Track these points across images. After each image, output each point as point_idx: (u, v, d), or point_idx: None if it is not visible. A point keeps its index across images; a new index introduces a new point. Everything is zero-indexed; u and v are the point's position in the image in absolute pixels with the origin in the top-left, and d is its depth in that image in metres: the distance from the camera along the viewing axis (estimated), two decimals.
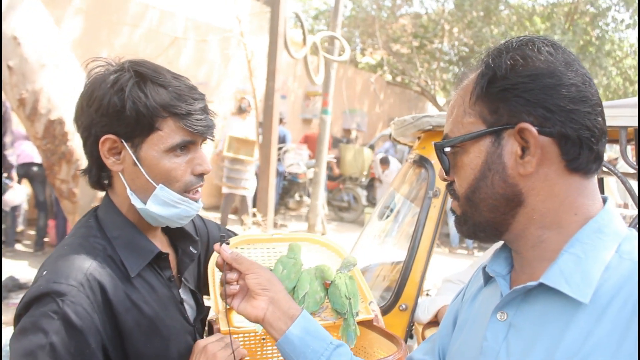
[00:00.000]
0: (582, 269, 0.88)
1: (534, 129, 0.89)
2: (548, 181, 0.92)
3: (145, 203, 1.28)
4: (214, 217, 9.93)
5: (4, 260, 6.47)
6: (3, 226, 6.86)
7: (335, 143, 13.26)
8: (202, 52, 10.80)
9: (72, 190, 4.38)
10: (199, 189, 1.34)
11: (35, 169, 6.84)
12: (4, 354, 3.68)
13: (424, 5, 16.34)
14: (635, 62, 15.44)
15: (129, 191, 1.29)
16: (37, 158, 6.62)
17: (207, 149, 9.30)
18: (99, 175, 1.33)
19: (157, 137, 1.24)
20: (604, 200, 0.97)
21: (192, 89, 1.30)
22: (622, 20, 14.47)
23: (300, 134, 14.18)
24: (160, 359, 1.29)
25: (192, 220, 1.61)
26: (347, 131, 14.99)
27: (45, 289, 1.14)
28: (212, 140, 1.37)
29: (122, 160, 1.27)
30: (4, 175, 5.66)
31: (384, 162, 11.11)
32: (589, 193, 0.94)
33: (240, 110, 10.60)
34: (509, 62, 0.93)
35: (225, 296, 1.24)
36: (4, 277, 5.71)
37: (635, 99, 2.01)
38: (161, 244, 1.44)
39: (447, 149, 1.01)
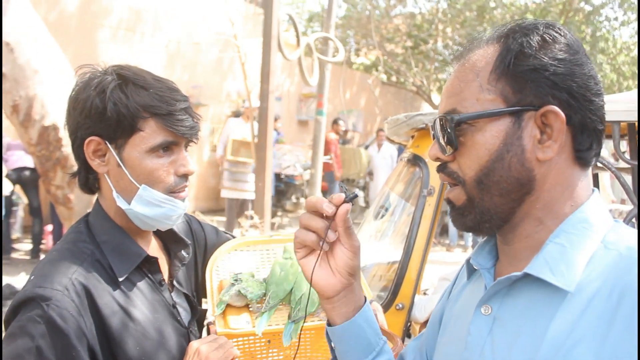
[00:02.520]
0: (567, 258, 0.86)
1: (561, 113, 0.86)
2: (557, 170, 0.90)
3: (130, 204, 1.29)
4: (209, 220, 9.92)
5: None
6: None
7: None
8: (196, 55, 10.80)
9: (67, 196, 4.37)
10: (185, 189, 1.35)
11: (27, 173, 6.80)
12: None
13: (417, 5, 16.37)
14: (629, 59, 15.52)
15: (114, 193, 1.30)
16: (30, 163, 6.58)
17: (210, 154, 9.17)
18: (86, 177, 1.35)
19: (139, 138, 1.26)
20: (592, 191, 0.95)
21: (173, 90, 1.30)
22: (616, 18, 14.55)
23: (296, 135, 14.18)
24: None
25: (188, 224, 1.62)
26: (344, 132, 14.99)
27: (31, 293, 1.16)
28: (196, 143, 1.37)
29: (107, 161, 1.29)
30: None
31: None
32: (585, 185, 0.93)
33: (238, 114, 10.63)
34: (538, 41, 0.88)
35: (323, 239, 1.04)
36: None
37: (628, 94, 2.01)
38: (153, 247, 1.45)
39: (455, 125, 0.92)
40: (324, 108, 9.78)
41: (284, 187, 11.36)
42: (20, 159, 6.74)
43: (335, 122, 12.08)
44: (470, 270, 1.06)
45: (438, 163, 0.99)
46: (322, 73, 9.50)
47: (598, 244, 0.87)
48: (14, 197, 7.16)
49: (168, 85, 1.30)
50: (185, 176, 1.33)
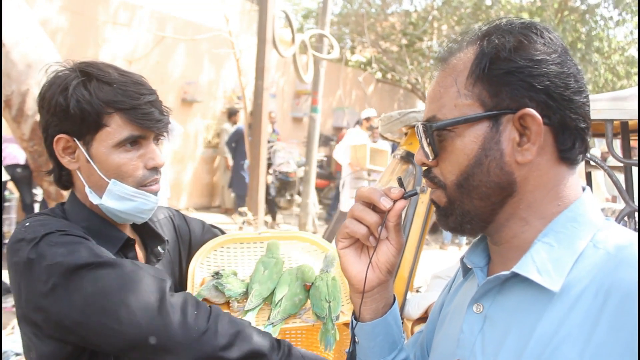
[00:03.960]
0: (554, 257, 0.86)
1: (538, 115, 0.85)
2: (539, 171, 0.89)
3: (101, 199, 1.31)
4: (203, 217, 9.90)
5: None
6: None
7: (326, 141, 13.25)
8: (191, 51, 10.77)
9: (60, 192, 4.35)
10: (157, 182, 1.36)
11: (19, 170, 6.78)
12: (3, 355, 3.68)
13: (412, 3, 16.37)
14: (623, 59, 15.58)
15: (87, 188, 1.31)
16: (22, 159, 6.56)
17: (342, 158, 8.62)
18: (59, 174, 1.36)
19: (105, 133, 1.27)
20: (583, 189, 0.95)
21: (139, 84, 1.31)
22: (611, 17, 14.59)
23: (291, 133, 14.16)
24: None
25: (171, 220, 1.62)
26: (338, 129, 14.99)
27: (48, 229, 1.20)
28: (164, 136, 1.38)
29: (77, 158, 1.30)
30: None
31: None
32: (572, 183, 0.92)
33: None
34: (513, 44, 0.88)
35: (379, 233, 1.02)
36: None
37: (620, 92, 2.02)
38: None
39: (435, 132, 0.93)
40: (319, 105, 9.77)
41: (279, 184, 11.35)
42: (10, 154, 6.69)
43: (359, 122, 11.70)
44: (465, 268, 1.07)
45: (417, 149, 0.99)
46: (316, 70, 9.50)
47: (587, 243, 0.87)
48: (6, 193, 7.13)
49: (133, 79, 1.31)
50: (155, 169, 1.34)
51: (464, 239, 9.70)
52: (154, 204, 1.35)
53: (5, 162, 6.60)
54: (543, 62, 0.87)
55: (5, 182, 6.77)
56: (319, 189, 11.72)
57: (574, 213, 0.90)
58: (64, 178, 1.36)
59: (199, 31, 10.01)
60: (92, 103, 1.23)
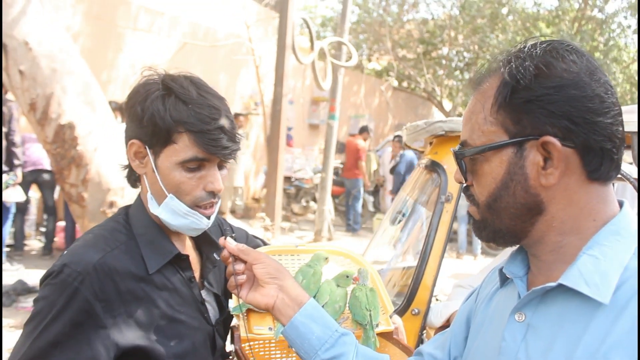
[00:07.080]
0: (601, 270, 0.88)
1: (557, 143, 0.89)
2: (568, 190, 0.92)
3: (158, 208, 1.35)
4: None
5: (13, 263, 6.49)
6: (12, 230, 6.89)
7: (343, 148, 13.25)
8: (211, 58, 10.84)
9: (81, 194, 4.40)
10: (214, 205, 1.38)
11: (45, 175, 6.87)
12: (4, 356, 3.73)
13: (430, 11, 16.38)
14: None
15: (149, 194, 1.36)
16: (47, 164, 6.64)
17: None
18: (131, 173, 1.43)
19: (172, 149, 1.30)
20: (620, 204, 0.97)
21: (213, 108, 1.31)
22: (629, 26, 14.46)
23: (308, 139, 14.18)
24: (173, 350, 1.33)
25: (219, 227, 1.66)
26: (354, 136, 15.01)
27: (59, 267, 1.24)
28: (230, 162, 1.39)
29: (145, 164, 1.35)
30: (7, 171, 5.73)
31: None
32: (606, 199, 0.95)
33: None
34: (532, 71, 0.91)
35: (236, 286, 1.28)
36: (13, 281, 5.75)
37: None
38: (186, 246, 1.49)
39: (463, 158, 1.01)
40: (336, 112, 9.79)
41: (294, 190, 11.36)
42: (36, 158, 6.77)
43: (364, 129, 11.60)
44: (503, 278, 1.10)
45: (456, 169, 1.06)
46: (335, 77, 9.52)
47: (631, 255, 0.89)
48: (29, 195, 7.21)
49: (210, 102, 1.31)
50: (212, 193, 1.35)
51: (478, 249, 9.67)
52: (205, 226, 1.38)
53: (29, 167, 6.69)
54: (563, 87, 0.89)
55: (29, 183, 6.85)
56: (334, 196, 11.71)
57: (616, 227, 0.92)
58: (133, 178, 1.43)
59: (218, 38, 10.07)
60: (165, 119, 1.27)
